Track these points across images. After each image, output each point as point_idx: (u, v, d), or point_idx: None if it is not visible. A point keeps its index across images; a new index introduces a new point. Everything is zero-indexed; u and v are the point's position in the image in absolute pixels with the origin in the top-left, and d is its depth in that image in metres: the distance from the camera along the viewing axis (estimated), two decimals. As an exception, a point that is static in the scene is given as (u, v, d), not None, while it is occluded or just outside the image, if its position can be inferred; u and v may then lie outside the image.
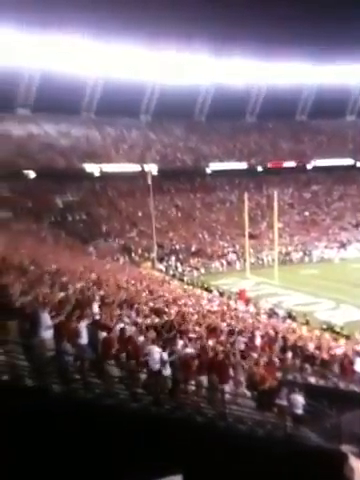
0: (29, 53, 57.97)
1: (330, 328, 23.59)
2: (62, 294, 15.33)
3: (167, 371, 10.66)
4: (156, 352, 10.89)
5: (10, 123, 60.06)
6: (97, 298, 16.62)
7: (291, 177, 65.67)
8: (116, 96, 60.22)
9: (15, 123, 60.37)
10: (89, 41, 58.67)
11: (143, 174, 54.37)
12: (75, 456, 7.31)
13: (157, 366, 10.63)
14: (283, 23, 59.78)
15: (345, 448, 10.39)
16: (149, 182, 48.20)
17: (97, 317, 13.39)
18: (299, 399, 11.27)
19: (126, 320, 14.44)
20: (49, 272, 19.73)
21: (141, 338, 12.16)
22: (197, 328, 16.16)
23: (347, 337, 21.14)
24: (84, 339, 10.87)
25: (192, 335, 14.62)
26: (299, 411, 11.14)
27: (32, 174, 54.67)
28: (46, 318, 10.67)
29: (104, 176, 58.77)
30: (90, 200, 55.96)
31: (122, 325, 13.27)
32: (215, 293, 33.32)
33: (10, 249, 24.08)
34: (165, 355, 10.85)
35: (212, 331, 16.39)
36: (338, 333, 22.44)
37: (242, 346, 15.14)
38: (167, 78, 67.12)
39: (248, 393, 11.99)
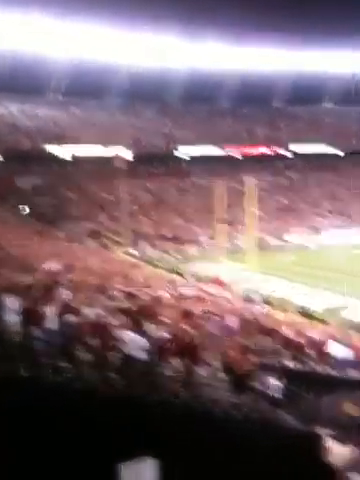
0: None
1: (306, 313, 23.64)
2: (30, 278, 14.94)
3: (140, 355, 10.42)
4: (129, 336, 10.66)
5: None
6: (66, 282, 16.24)
7: (268, 163, 65.70)
8: (86, 77, 59.03)
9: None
10: (59, 20, 57.22)
11: (115, 158, 53.59)
12: (45, 440, 6.91)
13: (130, 350, 10.38)
14: (261, 7, 59.36)
15: (322, 431, 10.27)
16: (120, 165, 47.54)
17: (66, 301, 13.07)
18: (275, 382, 11.16)
19: (97, 304, 14.11)
20: (17, 256, 19.18)
21: (112, 322, 11.86)
22: (170, 312, 15.88)
23: (323, 322, 21.22)
24: (53, 323, 10.60)
25: (165, 319, 14.36)
26: (275, 394, 11.02)
27: (-1, 157, 53.27)
28: (11, 302, 10.41)
29: (73, 159, 57.62)
30: (59, 183, 54.85)
31: (92, 309, 12.97)
32: (189, 278, 33.09)
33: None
34: (139, 339, 10.62)
35: (186, 315, 16.15)
36: (314, 318, 22.49)
37: (216, 330, 14.93)
38: (141, 60, 66.06)
39: (224, 376, 11.81)
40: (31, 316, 10.45)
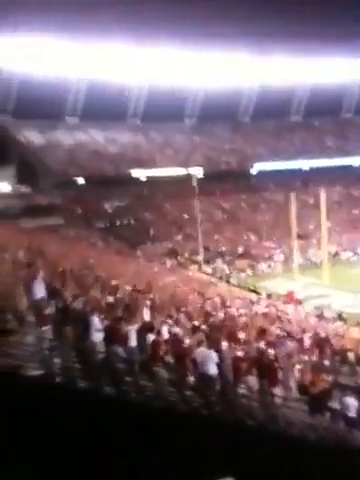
0: (75, 61, 59.28)
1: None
2: (112, 298, 15.67)
3: (215, 373, 10.68)
4: (205, 354, 10.94)
5: (60, 132, 61.75)
6: (146, 301, 16.85)
7: (338, 175, 64.14)
8: (161, 101, 60.73)
9: (64, 131, 62.05)
10: (133, 47, 59.45)
11: (188, 177, 54.61)
12: (125, 459, 7.44)
13: (206, 368, 10.68)
14: (326, 18, 58.60)
15: None
16: (194, 185, 48.38)
17: (146, 320, 13.59)
18: (352, 402, 11.08)
19: (174, 323, 14.59)
20: (99, 276, 20.15)
21: (189, 341, 12.24)
22: (246, 330, 16.10)
23: None
24: (133, 342, 11.07)
25: (241, 337, 14.60)
26: (352, 414, 10.95)
27: (81, 181, 55.92)
28: (96, 322, 10.96)
29: (150, 181, 59.40)
30: (137, 205, 56.71)
31: (171, 328, 13.42)
32: (263, 295, 33.03)
33: (62, 255, 24.76)
34: (214, 357, 10.85)
35: (261, 333, 16.30)
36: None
37: (291, 349, 14.98)
38: (210, 80, 67.07)
39: (299, 396, 11.87)
40: (114, 334, 10.94)
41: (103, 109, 56.83)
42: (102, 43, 57.88)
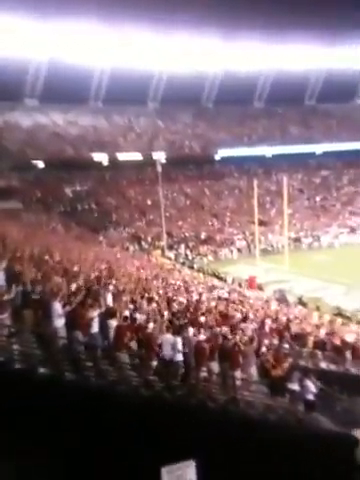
0: (35, 42, 57.71)
1: (341, 313, 23.55)
2: (73, 283, 15.44)
3: (179, 358, 10.74)
4: (168, 340, 10.98)
5: (18, 113, 60.14)
6: (108, 287, 16.71)
7: (300, 162, 65.13)
8: (123, 84, 59.86)
9: (23, 113, 60.45)
10: (95, 28, 58.23)
11: (151, 162, 54.31)
12: (88, 442, 7.41)
13: (170, 354, 10.72)
14: (290, 6, 58.83)
15: (357, 432, 10.45)
16: (158, 170, 48.17)
17: (108, 305, 13.49)
18: (310, 384, 11.35)
19: (137, 308, 14.54)
20: (60, 262, 19.85)
21: (152, 326, 12.25)
22: (208, 315, 16.22)
23: (358, 322, 21.12)
24: (95, 328, 11.00)
25: (203, 322, 14.70)
26: (310, 396, 11.22)
27: (41, 164, 54.78)
28: (58, 307, 10.81)
29: (113, 165, 58.76)
30: (99, 189, 56.09)
31: (134, 313, 13.38)
32: (228, 280, 33.38)
33: (21, 240, 24.24)
34: (178, 342, 10.91)
35: (223, 318, 16.47)
36: (349, 318, 22.41)
37: (251, 332, 15.19)
38: (174, 64, 66.60)
39: (259, 379, 12.07)
40: (75, 320, 10.83)
41: (64, 91, 55.61)
42: (64, 24, 56.46)
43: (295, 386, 11.50)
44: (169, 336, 11.06)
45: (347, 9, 58.66)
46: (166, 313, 15.09)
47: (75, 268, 18.94)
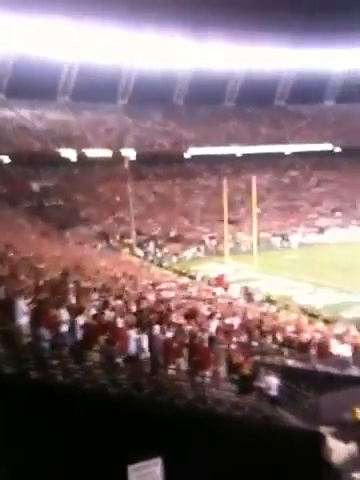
0: (3, 35, 56.48)
1: (308, 312, 23.86)
2: (39, 281, 15.20)
3: (144, 355, 10.69)
4: (137, 337, 10.92)
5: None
6: (75, 284, 16.51)
7: (269, 162, 65.81)
8: (93, 80, 59.26)
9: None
10: (64, 23, 57.41)
11: (120, 159, 53.94)
12: (54, 442, 7.26)
13: (135, 351, 10.66)
14: (261, 6, 59.36)
15: (323, 429, 10.57)
16: (126, 167, 47.89)
17: (75, 303, 13.32)
18: (274, 381, 11.46)
19: (105, 306, 14.39)
20: (25, 258, 19.50)
21: (120, 323, 12.14)
22: (177, 312, 16.18)
23: (325, 320, 21.44)
24: (63, 325, 10.85)
25: (171, 319, 14.66)
26: (274, 393, 11.32)
27: (6, 159, 53.73)
28: (22, 305, 10.64)
29: (81, 161, 58.11)
30: (67, 186, 55.36)
31: (101, 311, 13.24)
32: (197, 279, 33.41)
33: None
34: (144, 339, 10.87)
35: (192, 315, 16.46)
36: (316, 316, 22.71)
37: (217, 329, 15.21)
38: (145, 61, 66.33)
39: (227, 376, 12.09)
40: (41, 318, 10.66)
41: (32, 86, 54.64)
42: (33, 18, 55.51)
43: (261, 383, 11.59)
44: (134, 333, 11.02)
45: (317, 10, 59.54)
46: (134, 310, 14.98)
47: (41, 265, 18.67)
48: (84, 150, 58.84)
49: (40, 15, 54.52)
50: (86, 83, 61.05)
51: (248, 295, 27.29)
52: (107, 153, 59.65)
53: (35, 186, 54.09)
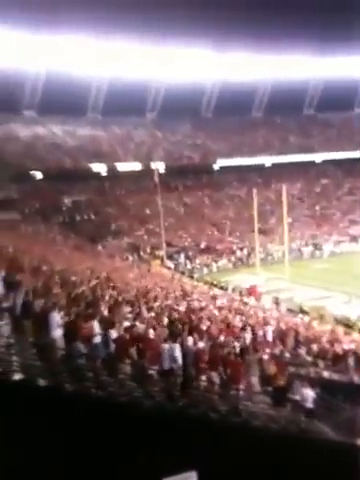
0: (33, 54, 58.00)
1: (343, 322, 23.42)
2: (72, 293, 15.37)
3: (177, 367, 10.62)
4: (166, 348, 10.87)
5: (16, 125, 60.34)
6: (107, 297, 16.63)
7: (300, 171, 65.26)
8: (121, 95, 60.11)
9: (21, 125, 60.65)
10: (93, 40, 58.63)
11: (150, 172, 54.38)
12: (89, 454, 7.29)
13: (170, 363, 10.61)
14: (287, 15, 59.33)
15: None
16: (156, 180, 48.21)
17: (108, 315, 13.39)
18: (310, 393, 11.22)
19: (137, 318, 14.44)
20: (59, 271, 19.77)
21: (152, 335, 12.13)
22: (208, 324, 16.11)
23: (360, 330, 21.00)
24: (95, 338, 10.89)
25: (203, 331, 14.59)
26: (310, 405, 11.09)
27: (39, 175, 54.88)
28: (56, 318, 10.72)
29: (112, 175, 58.91)
30: (98, 199, 56.11)
31: (133, 323, 13.27)
32: (229, 290, 33.25)
33: (20, 250, 24.17)
34: (176, 350, 10.78)
35: (224, 327, 16.36)
36: (351, 327, 22.26)
37: (253, 341, 15.08)
38: (172, 75, 66.97)
39: (262, 389, 11.94)
40: (75, 331, 10.73)
41: (62, 103, 55.84)
42: (62, 35, 56.84)
43: (296, 395, 11.39)
44: (169, 345, 10.95)
45: (345, 18, 59.12)
46: (166, 322, 14.98)
47: (74, 278, 18.89)
48: (114, 164, 59.66)
49: (68, 32, 55.79)
50: (115, 98, 62.00)
51: (277, 305, 27.00)
52: (137, 166, 60.37)
53: (67, 201, 54.96)
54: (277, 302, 27.55)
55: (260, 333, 16.39)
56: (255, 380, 12.18)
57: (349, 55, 68.92)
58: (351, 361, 14.64)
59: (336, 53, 67.56)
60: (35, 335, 10.36)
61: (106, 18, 54.82)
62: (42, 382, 8.08)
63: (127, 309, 15.61)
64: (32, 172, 54.35)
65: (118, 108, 61.14)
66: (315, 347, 15.54)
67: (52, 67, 60.19)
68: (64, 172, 54.69)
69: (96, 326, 11.32)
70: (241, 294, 31.13)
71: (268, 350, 14.29)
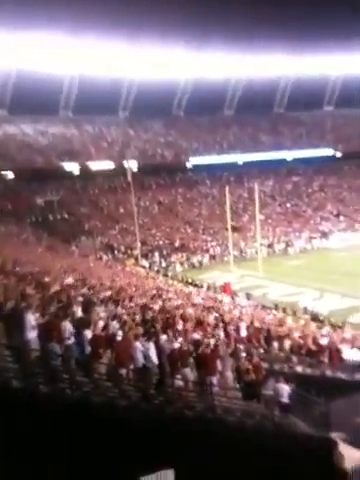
0: (4, 52, 57.06)
1: (316, 317, 23.80)
2: (46, 294, 15.21)
3: (151, 365, 10.65)
4: (144, 348, 10.88)
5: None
6: (81, 297, 16.51)
7: (271, 169, 65.96)
8: (93, 93, 59.76)
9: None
10: (64, 38, 58.00)
11: (123, 171, 54.18)
12: (65, 455, 7.25)
13: (145, 362, 10.63)
14: (258, 15, 59.92)
15: (334, 435, 10.51)
16: (129, 179, 48.07)
17: (82, 315, 13.32)
18: (284, 388, 11.39)
19: (111, 317, 14.38)
20: (32, 272, 19.55)
21: (127, 334, 12.11)
22: (182, 322, 16.15)
23: (332, 325, 21.35)
24: (70, 338, 10.83)
25: (178, 329, 14.63)
26: (285, 400, 11.25)
27: (11, 175, 54.07)
28: (30, 319, 10.61)
29: (84, 174, 58.45)
30: (71, 199, 55.61)
31: (108, 322, 13.23)
32: (203, 287, 33.40)
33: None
34: (150, 348, 10.82)
35: (198, 324, 16.43)
36: (322, 322, 22.64)
37: (227, 338, 15.18)
38: (144, 73, 66.84)
39: (236, 384, 12.05)
40: (49, 331, 10.64)
41: (33, 102, 55.18)
42: (32, 34, 56.05)
43: (269, 391, 11.54)
44: (144, 344, 10.98)
45: (314, 18, 60.01)
46: (139, 319, 14.96)
47: (47, 279, 18.70)
48: (87, 163, 59.20)
49: (39, 31, 55.06)
50: (87, 97, 61.64)
51: (254, 302, 27.28)
52: (110, 165, 60.06)
53: (39, 200, 54.29)
54: (249, 298, 27.83)
55: (233, 329, 16.52)
56: (229, 376, 12.28)
57: (318, 54, 69.95)
58: (324, 356, 14.91)
59: (306, 52, 68.53)
60: (8, 337, 10.22)
61: (78, 16, 54.34)
62: (16, 384, 7.99)
63: (101, 308, 15.54)
64: (3, 172, 53.51)
65: (90, 106, 60.77)
66: (288, 342, 15.74)
67: (23, 65, 59.36)
68: (36, 171, 54.02)
69: (69, 326, 11.26)
70: (215, 291, 31.33)
71: (242, 346, 14.42)
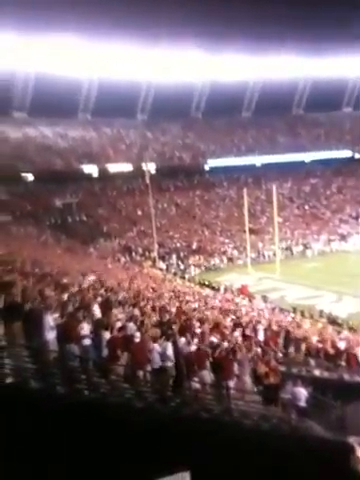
0: (23, 55, 57.84)
1: (333, 321, 23.59)
2: (64, 295, 15.37)
3: (171, 368, 10.68)
4: (161, 350, 10.92)
5: (7, 126, 60.08)
6: (99, 298, 16.64)
7: (289, 171, 65.56)
8: (112, 96, 60.15)
9: (12, 126, 60.39)
10: (83, 41, 58.53)
11: (141, 173, 54.40)
12: (82, 456, 7.32)
13: (162, 364, 10.67)
14: (276, 16, 59.65)
15: (351, 439, 10.41)
16: (147, 181, 48.25)
17: (100, 317, 13.42)
18: (302, 392, 11.32)
19: (129, 319, 14.46)
20: (51, 274, 19.74)
21: (144, 336, 12.16)
22: (199, 324, 16.16)
23: (351, 329, 21.15)
24: (88, 339, 10.92)
25: (195, 331, 14.64)
26: (302, 404, 11.18)
27: (30, 177, 54.70)
28: (49, 319, 10.72)
29: (103, 176, 58.84)
30: (89, 201, 56.02)
31: (125, 324, 13.30)
32: (221, 290, 33.34)
33: (11, 252, 24.11)
34: (168, 349, 10.85)
35: (215, 327, 16.42)
36: (341, 325, 22.44)
37: (245, 341, 15.13)
38: (162, 76, 67.06)
39: (253, 388, 12.01)
40: (67, 332, 10.75)
41: (53, 104, 55.73)
42: (52, 37, 56.66)
43: (287, 394, 11.48)
44: (161, 346, 11.01)
45: (333, 19, 59.55)
46: (156, 321, 15.01)
47: (66, 280, 18.87)
48: (105, 165, 59.61)
49: (59, 34, 55.63)
50: (106, 99, 62.05)
51: (272, 305, 27.14)
52: (128, 167, 60.36)
53: (58, 203, 54.84)
54: (266, 301, 27.72)
55: (251, 332, 16.47)
56: (248, 379, 12.25)
57: (337, 55, 69.40)
58: (342, 359, 14.78)
59: (324, 53, 68.02)
60: (27, 337, 10.34)
61: (96, 19, 54.81)
62: (34, 384, 8.08)
63: (119, 310, 15.63)
64: (23, 174, 54.16)
65: (109, 109, 61.17)
66: (306, 346, 15.64)
67: (42, 68, 60.06)
68: (55, 174, 54.57)
69: (87, 327, 11.36)
70: (233, 294, 31.26)
71: (259, 349, 14.37)
